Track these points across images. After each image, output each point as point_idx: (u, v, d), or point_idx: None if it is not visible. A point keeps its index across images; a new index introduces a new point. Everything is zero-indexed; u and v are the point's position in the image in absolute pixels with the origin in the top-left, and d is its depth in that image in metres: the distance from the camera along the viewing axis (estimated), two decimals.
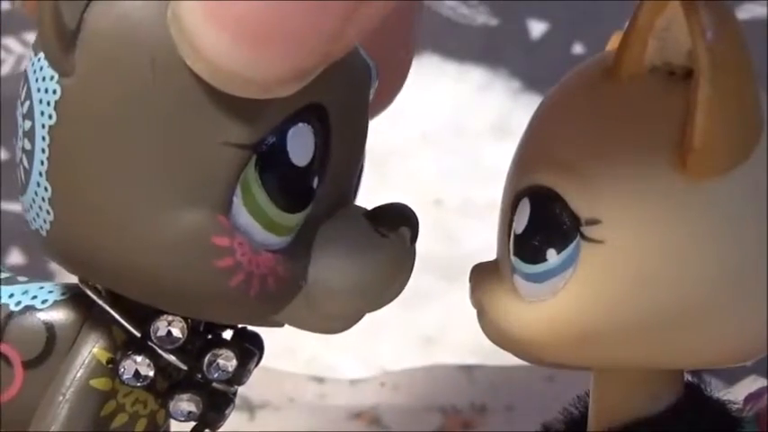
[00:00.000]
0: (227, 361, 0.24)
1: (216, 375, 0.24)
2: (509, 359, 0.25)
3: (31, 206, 0.22)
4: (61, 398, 0.23)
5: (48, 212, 0.22)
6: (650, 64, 0.23)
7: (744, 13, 0.57)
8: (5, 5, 0.57)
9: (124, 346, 0.24)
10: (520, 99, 0.59)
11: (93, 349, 0.24)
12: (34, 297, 0.25)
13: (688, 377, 0.25)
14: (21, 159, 0.22)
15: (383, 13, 0.20)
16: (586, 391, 0.26)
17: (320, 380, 0.44)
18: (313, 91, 0.21)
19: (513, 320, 0.24)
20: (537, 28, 0.61)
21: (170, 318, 0.23)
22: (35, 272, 0.38)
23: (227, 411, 0.25)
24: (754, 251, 0.22)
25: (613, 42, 0.25)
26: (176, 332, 0.23)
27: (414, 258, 0.24)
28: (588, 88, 0.24)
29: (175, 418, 0.24)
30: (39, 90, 0.22)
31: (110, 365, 0.24)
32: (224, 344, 0.24)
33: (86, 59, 0.21)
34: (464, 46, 0.60)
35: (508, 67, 0.60)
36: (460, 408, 0.42)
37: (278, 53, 0.20)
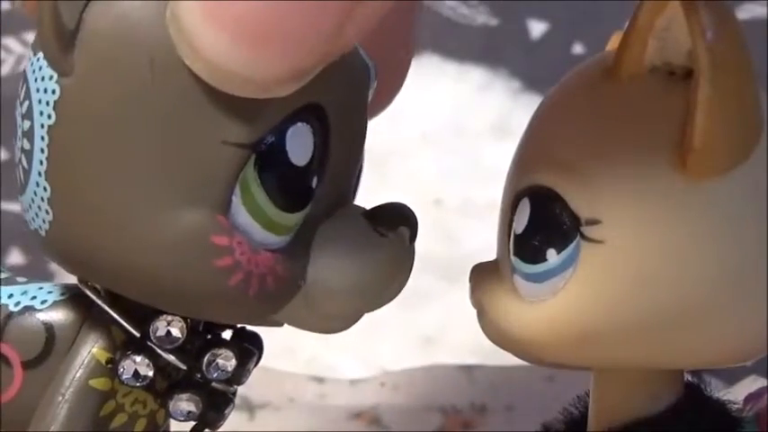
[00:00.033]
0: (227, 361, 0.24)
1: (215, 375, 0.24)
2: (509, 359, 0.25)
3: (30, 206, 0.22)
4: (60, 398, 0.23)
5: (47, 212, 0.22)
6: (650, 64, 0.23)
7: (744, 13, 0.57)
8: (5, 5, 0.57)
9: (123, 346, 0.24)
10: (520, 99, 0.59)
11: (92, 349, 0.24)
12: (33, 297, 0.25)
13: (688, 377, 0.25)
14: (20, 159, 0.22)
15: (381, 13, 0.20)
16: (586, 391, 0.26)
17: (320, 380, 0.44)
18: (312, 91, 0.21)
19: (513, 320, 0.24)
20: (537, 28, 0.61)
21: (169, 318, 0.23)
22: (35, 272, 0.38)
23: (226, 411, 0.25)
24: (754, 251, 0.22)
25: (613, 42, 0.25)
26: (175, 332, 0.23)
27: (413, 258, 0.24)
28: (588, 88, 0.24)
29: (175, 418, 0.24)
30: (38, 90, 0.22)
31: (109, 365, 0.24)
32: (223, 343, 0.24)
33: (85, 59, 0.21)
34: (464, 46, 0.60)
35: (508, 67, 0.60)
36: (460, 408, 0.42)
37: (277, 53, 0.20)
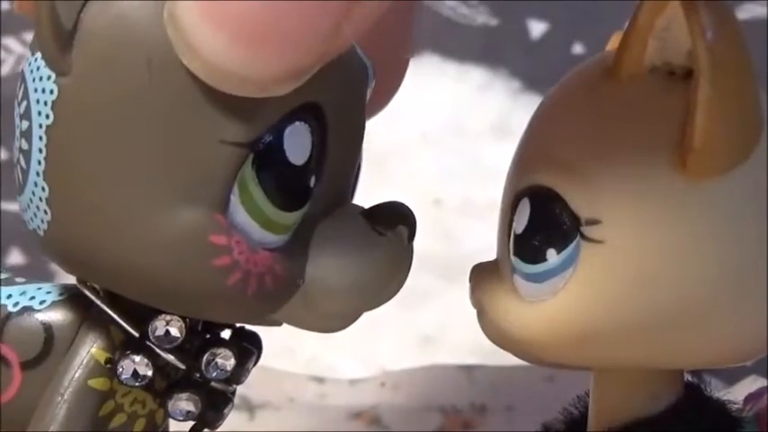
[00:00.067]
0: (226, 360, 0.24)
1: (214, 374, 0.24)
2: (509, 359, 0.25)
3: (28, 206, 0.23)
4: (60, 398, 0.23)
5: (45, 212, 0.22)
6: (650, 64, 0.23)
7: (744, 13, 0.57)
8: (5, 5, 0.57)
9: (122, 345, 0.24)
10: (520, 99, 0.59)
11: (91, 349, 0.24)
12: (32, 298, 0.25)
13: (688, 377, 0.25)
14: (18, 159, 0.22)
15: (378, 13, 0.20)
16: (586, 391, 0.26)
17: (320, 380, 0.44)
18: (309, 90, 0.21)
19: (513, 320, 0.24)
20: (537, 28, 0.61)
21: (168, 317, 0.23)
22: (35, 272, 0.38)
23: (225, 410, 0.25)
24: (754, 251, 0.22)
25: (613, 42, 0.25)
26: (174, 331, 0.23)
27: (411, 256, 0.24)
28: (588, 88, 0.24)
29: (174, 418, 0.24)
30: (36, 90, 0.22)
31: (108, 365, 0.24)
32: (222, 343, 0.24)
33: (83, 59, 0.21)
34: (464, 46, 0.60)
35: (508, 67, 0.60)
36: (460, 408, 0.42)
37: (274, 52, 0.20)
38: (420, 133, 0.57)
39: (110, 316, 0.24)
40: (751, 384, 0.36)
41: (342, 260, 0.23)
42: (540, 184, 0.23)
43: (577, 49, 0.60)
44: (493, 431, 0.41)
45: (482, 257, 0.26)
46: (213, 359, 0.24)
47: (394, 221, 0.23)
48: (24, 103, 0.22)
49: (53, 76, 0.22)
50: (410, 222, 0.24)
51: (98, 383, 0.24)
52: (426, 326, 0.49)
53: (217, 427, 0.25)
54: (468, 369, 0.43)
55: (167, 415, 0.24)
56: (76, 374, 0.24)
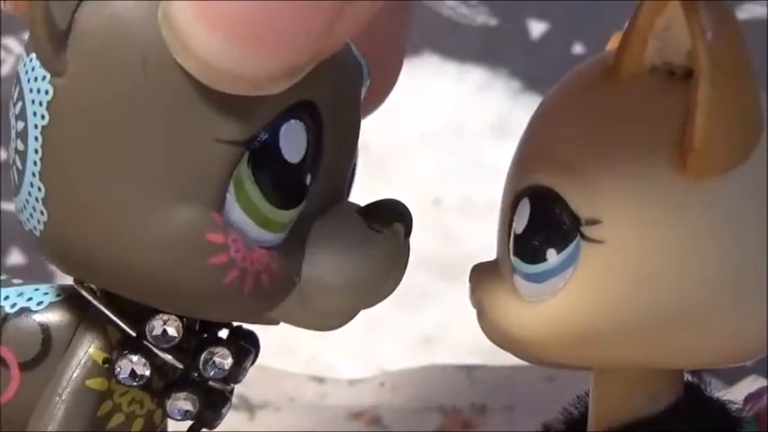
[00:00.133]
0: (223, 359, 0.24)
1: (212, 374, 0.24)
2: (509, 359, 0.25)
3: (24, 206, 0.23)
4: (58, 398, 0.23)
5: (41, 212, 0.22)
6: (650, 64, 0.23)
7: (744, 13, 0.57)
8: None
9: (120, 345, 0.24)
10: (520, 99, 0.59)
11: (88, 349, 0.24)
12: (29, 299, 0.25)
13: (688, 377, 0.25)
14: (14, 160, 0.23)
15: (372, 13, 0.20)
16: (586, 391, 0.26)
17: (320, 380, 0.44)
18: (304, 88, 0.21)
19: (513, 320, 0.24)
20: (537, 28, 0.61)
21: (165, 317, 0.23)
22: (35, 272, 0.38)
23: (223, 410, 0.25)
24: (754, 251, 0.22)
25: (613, 42, 0.25)
26: (172, 331, 0.23)
27: (408, 254, 0.24)
28: (588, 88, 0.24)
29: (172, 417, 0.24)
30: (31, 90, 0.22)
31: (106, 365, 0.24)
32: (220, 342, 0.24)
33: (78, 59, 0.21)
34: (464, 46, 0.60)
35: (508, 67, 0.60)
36: (460, 408, 0.42)
37: (268, 51, 0.20)
38: (420, 133, 0.57)
39: (107, 316, 0.24)
40: (751, 384, 0.36)
41: (338, 258, 0.23)
42: (540, 184, 0.23)
43: (577, 49, 0.60)
44: (493, 431, 0.41)
45: (482, 257, 0.26)
46: (211, 358, 0.24)
47: (390, 219, 0.23)
48: (20, 103, 0.22)
49: (48, 76, 0.22)
50: (406, 220, 0.24)
51: (96, 383, 0.24)
52: (426, 326, 0.49)
53: (215, 427, 0.25)
54: (468, 369, 0.43)
55: (165, 415, 0.24)
56: (74, 375, 0.24)
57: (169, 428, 0.26)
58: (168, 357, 0.24)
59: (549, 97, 0.25)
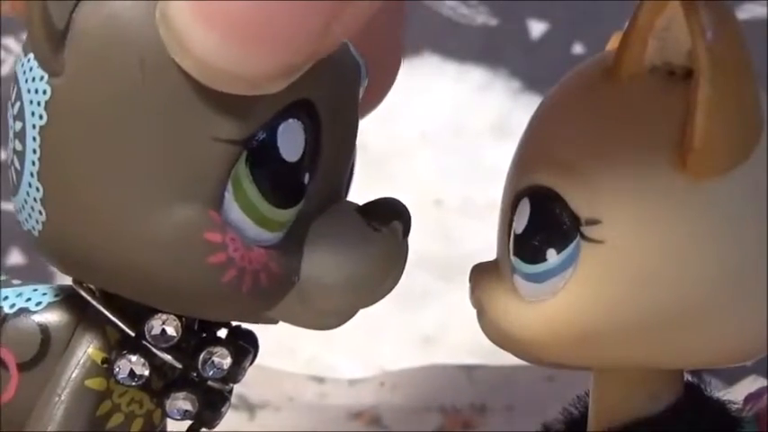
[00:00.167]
0: (222, 359, 0.24)
1: (211, 373, 0.24)
2: (509, 359, 0.25)
3: (23, 207, 0.23)
4: (57, 398, 0.23)
5: (40, 213, 0.22)
6: (650, 64, 0.23)
7: (744, 13, 0.57)
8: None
9: (119, 345, 0.24)
10: (520, 99, 0.59)
11: (87, 349, 0.24)
12: (28, 299, 0.25)
13: (688, 377, 0.25)
14: (12, 161, 0.23)
15: (369, 13, 0.20)
16: (586, 391, 0.26)
17: (320, 380, 0.44)
18: (302, 87, 0.21)
19: (513, 320, 0.24)
20: (537, 28, 0.61)
21: (164, 316, 0.23)
22: (35, 272, 0.38)
23: (222, 409, 0.25)
24: (754, 251, 0.22)
25: (613, 42, 0.25)
26: (171, 331, 0.23)
27: (406, 252, 0.24)
28: (588, 88, 0.24)
29: (171, 417, 0.24)
30: (29, 91, 0.22)
31: (105, 365, 0.24)
32: (219, 342, 0.24)
33: (75, 59, 0.21)
34: (464, 46, 0.60)
35: (508, 67, 0.60)
36: (460, 408, 0.42)
37: (265, 50, 0.20)
38: (420, 133, 0.57)
39: (106, 316, 0.24)
40: (751, 384, 0.36)
41: (337, 257, 0.23)
42: (540, 184, 0.23)
43: (577, 49, 0.60)
44: (493, 431, 0.41)
45: (482, 257, 0.26)
46: (210, 358, 0.24)
47: (388, 217, 0.23)
48: (17, 103, 0.22)
49: (46, 76, 0.22)
50: (405, 218, 0.24)
51: (95, 383, 0.24)
52: (426, 326, 0.49)
53: (214, 427, 0.25)
54: (468, 369, 0.43)
55: (165, 414, 0.24)
56: (73, 375, 0.24)
57: (168, 428, 0.26)
58: (167, 357, 0.24)
59: (549, 97, 0.25)
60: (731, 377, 0.34)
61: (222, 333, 0.25)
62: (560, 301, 0.23)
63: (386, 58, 0.29)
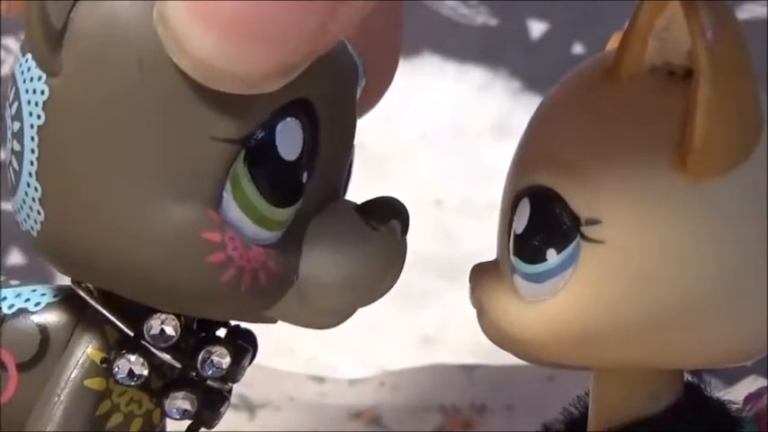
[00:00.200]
0: (221, 358, 0.24)
1: (210, 372, 0.24)
2: (509, 359, 0.25)
3: (21, 207, 0.23)
4: (56, 399, 0.23)
5: (38, 212, 0.22)
6: (650, 64, 0.23)
7: (744, 13, 0.57)
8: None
9: (118, 345, 0.24)
10: (520, 99, 0.59)
11: (86, 349, 0.24)
12: (27, 300, 0.25)
13: (688, 377, 0.25)
14: (10, 161, 0.23)
15: (364, 12, 0.20)
16: (586, 391, 0.26)
17: (320, 379, 0.44)
18: (300, 86, 0.21)
19: (513, 320, 0.24)
20: (537, 28, 0.61)
21: (163, 316, 0.23)
22: (35, 272, 0.38)
23: (222, 409, 0.25)
24: (754, 251, 0.22)
25: (613, 42, 0.25)
26: (169, 330, 0.23)
27: (405, 251, 0.24)
28: (588, 88, 0.24)
29: (171, 417, 0.24)
30: (27, 91, 0.22)
31: (104, 365, 0.24)
32: (218, 341, 0.24)
33: (73, 59, 0.21)
34: (464, 46, 0.60)
35: (508, 67, 0.60)
36: (460, 407, 0.42)
37: (261, 50, 0.20)
38: (420, 133, 0.57)
39: (104, 316, 0.24)
40: (751, 384, 0.36)
41: (335, 256, 0.23)
42: (540, 184, 0.23)
43: (577, 49, 0.60)
44: (493, 431, 0.41)
45: (482, 257, 0.26)
46: (209, 357, 0.24)
47: (387, 216, 0.23)
48: (15, 104, 0.22)
49: (44, 76, 0.22)
50: (403, 217, 0.24)
51: (94, 383, 0.24)
52: (426, 326, 0.49)
53: (213, 426, 0.25)
54: (468, 369, 0.43)
55: (164, 414, 0.24)
56: (72, 375, 0.23)
57: (168, 428, 0.26)
58: (166, 357, 0.24)
59: (549, 97, 0.25)
60: (731, 377, 0.34)
61: (221, 332, 0.25)
62: (560, 301, 0.23)
63: (383, 58, 0.29)
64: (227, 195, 0.22)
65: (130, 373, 0.23)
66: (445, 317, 0.49)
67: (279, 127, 0.22)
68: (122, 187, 0.21)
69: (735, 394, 0.26)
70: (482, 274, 0.25)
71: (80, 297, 0.24)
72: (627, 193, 0.22)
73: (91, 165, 0.21)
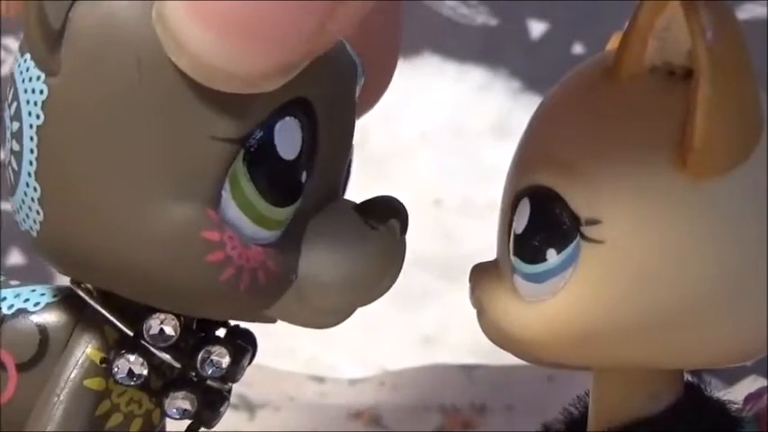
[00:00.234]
0: (221, 358, 0.24)
1: (210, 372, 0.24)
2: (509, 359, 0.25)
3: (20, 207, 0.23)
4: (56, 399, 0.23)
5: (37, 212, 0.22)
6: (650, 64, 0.23)
7: (744, 13, 0.57)
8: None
9: (117, 345, 0.24)
10: (520, 99, 0.59)
11: (86, 349, 0.24)
12: (26, 300, 0.25)
13: (688, 377, 0.25)
14: (9, 161, 0.23)
15: (363, 12, 0.20)
16: (586, 391, 0.26)
17: (320, 379, 0.44)
18: (299, 85, 0.21)
19: (513, 320, 0.24)
20: (537, 28, 0.61)
21: (162, 316, 0.23)
22: (35, 272, 0.38)
23: (221, 409, 0.25)
24: (754, 251, 0.22)
25: (613, 42, 0.25)
26: (169, 330, 0.23)
27: (404, 250, 0.24)
28: (588, 88, 0.24)
29: (170, 417, 0.24)
30: (26, 91, 0.22)
31: (103, 365, 0.24)
32: (217, 341, 0.24)
33: (72, 59, 0.21)
34: (464, 46, 0.60)
35: (508, 67, 0.60)
36: (460, 407, 0.42)
37: (260, 49, 0.20)
38: (420, 133, 0.57)
39: (104, 316, 0.24)
40: (751, 384, 0.36)
41: (334, 255, 0.23)
42: (540, 184, 0.23)
43: (577, 49, 0.60)
44: (493, 431, 0.41)
45: (482, 257, 0.26)
46: (208, 357, 0.24)
47: (386, 215, 0.23)
48: (14, 104, 0.22)
49: (42, 76, 0.22)
50: (402, 216, 0.24)
51: (94, 383, 0.24)
52: (426, 326, 0.49)
53: (213, 426, 0.25)
54: (468, 369, 0.43)
55: (164, 414, 0.24)
56: (72, 375, 0.23)
57: (168, 428, 0.26)
58: (166, 356, 0.24)
59: (549, 97, 0.25)
60: (731, 377, 0.34)
61: (221, 332, 0.25)
62: (560, 301, 0.23)
63: (382, 58, 0.29)
64: (226, 195, 0.22)
65: (130, 373, 0.23)
66: (445, 317, 0.49)
67: (278, 126, 0.22)
68: (121, 187, 0.21)
69: (735, 394, 0.26)
70: (482, 274, 0.25)
71: (79, 297, 0.24)
72: (627, 193, 0.22)
73: (90, 164, 0.21)
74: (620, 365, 0.24)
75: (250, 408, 0.42)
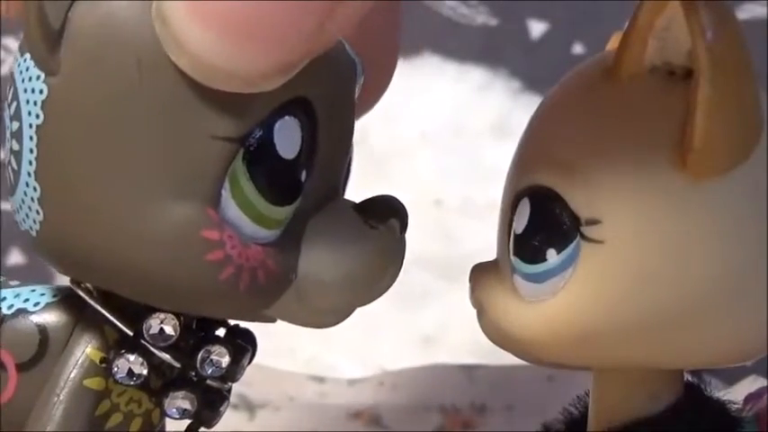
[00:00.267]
0: (221, 357, 0.24)
1: (210, 372, 0.24)
2: (509, 359, 0.25)
3: (20, 207, 0.23)
4: (56, 399, 0.23)
5: (37, 212, 0.22)
6: (650, 64, 0.23)
7: (744, 13, 0.57)
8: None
9: (117, 345, 0.24)
10: (520, 99, 0.59)
11: (86, 349, 0.24)
12: (26, 300, 0.25)
13: (688, 377, 0.25)
14: (9, 161, 0.23)
15: (362, 12, 0.20)
16: (586, 391, 0.26)
17: (320, 379, 0.44)
18: (298, 85, 0.21)
19: (513, 320, 0.24)
20: (537, 28, 0.61)
21: (162, 315, 0.23)
22: (36, 272, 0.38)
23: (221, 409, 0.25)
24: (754, 251, 0.22)
25: (613, 42, 0.25)
26: (169, 330, 0.23)
27: (404, 250, 0.24)
28: (588, 88, 0.24)
29: (170, 416, 0.24)
30: (25, 90, 0.22)
31: (103, 365, 0.24)
32: (217, 340, 0.24)
33: (72, 58, 0.21)
34: (464, 46, 0.60)
35: (508, 67, 0.60)
36: (460, 407, 0.42)
37: (260, 49, 0.20)
38: (420, 133, 0.57)
39: (104, 316, 0.24)
40: (751, 384, 0.36)
41: (334, 254, 0.23)
42: (540, 184, 0.23)
43: (577, 49, 0.60)
44: (493, 431, 0.41)
45: (482, 257, 0.26)
46: (208, 356, 0.24)
47: (386, 215, 0.23)
48: (14, 104, 0.22)
49: (42, 75, 0.22)
50: (402, 215, 0.24)
51: (93, 383, 0.24)
52: (426, 326, 0.49)
53: (213, 426, 0.25)
54: (468, 369, 0.43)
55: (163, 414, 0.24)
56: (72, 375, 0.23)
57: (168, 428, 0.26)
58: (165, 356, 0.24)
59: (549, 97, 0.25)
60: (731, 377, 0.34)
61: (220, 332, 0.25)
62: (560, 301, 0.23)
63: (382, 58, 0.29)
64: (226, 194, 0.22)
65: (130, 373, 0.23)
66: (445, 317, 0.49)
67: (277, 125, 0.22)
68: (121, 186, 0.21)
69: (735, 394, 0.26)
70: (482, 274, 0.25)
71: (79, 297, 0.24)
72: (627, 193, 0.22)
73: (90, 164, 0.21)
74: (620, 365, 0.24)
75: (250, 408, 0.42)
